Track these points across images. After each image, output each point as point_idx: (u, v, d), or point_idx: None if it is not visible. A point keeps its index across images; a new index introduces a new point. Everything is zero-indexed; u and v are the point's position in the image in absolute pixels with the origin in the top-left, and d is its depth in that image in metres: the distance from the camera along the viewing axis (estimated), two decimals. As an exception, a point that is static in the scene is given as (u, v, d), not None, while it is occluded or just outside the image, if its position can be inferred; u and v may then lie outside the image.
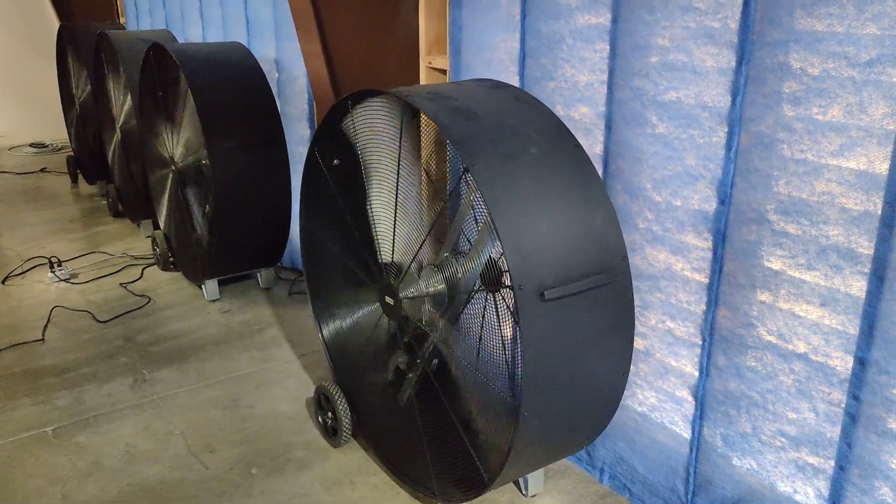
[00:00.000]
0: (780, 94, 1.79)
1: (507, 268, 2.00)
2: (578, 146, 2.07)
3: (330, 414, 2.73)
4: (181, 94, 3.76)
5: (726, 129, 1.94)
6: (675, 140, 2.06)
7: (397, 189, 2.24)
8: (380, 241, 2.38)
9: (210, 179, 3.61)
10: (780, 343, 1.91)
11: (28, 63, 7.64)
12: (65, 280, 4.22)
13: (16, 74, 7.76)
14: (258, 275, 4.15)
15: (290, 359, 3.39)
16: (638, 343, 2.30)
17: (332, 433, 2.74)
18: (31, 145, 7.63)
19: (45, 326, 3.67)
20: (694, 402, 2.18)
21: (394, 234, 2.29)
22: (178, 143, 3.93)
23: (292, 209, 3.88)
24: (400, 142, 2.21)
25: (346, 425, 2.67)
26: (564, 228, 1.92)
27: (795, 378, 1.89)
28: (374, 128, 2.34)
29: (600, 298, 1.95)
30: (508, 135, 2.01)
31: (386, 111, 2.29)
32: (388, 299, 2.35)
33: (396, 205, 2.28)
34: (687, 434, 2.22)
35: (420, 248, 2.20)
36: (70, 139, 6.43)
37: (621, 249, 2.00)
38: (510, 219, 1.85)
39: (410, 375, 2.47)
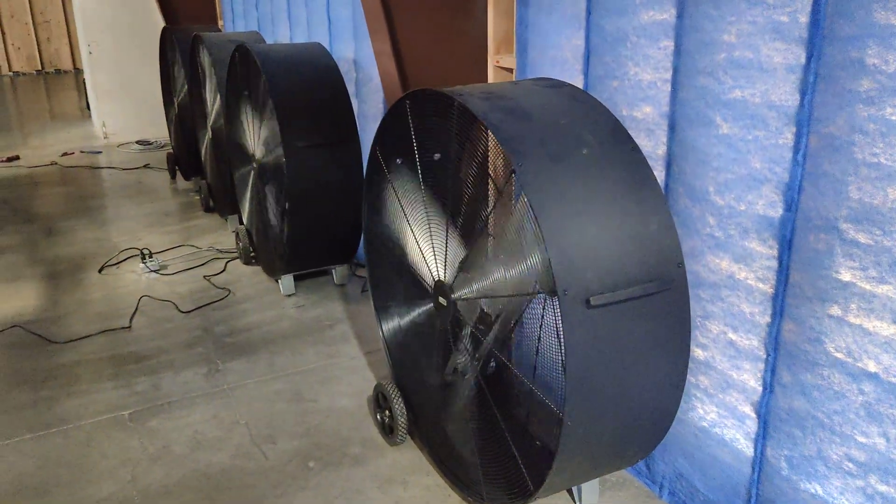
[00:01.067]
0: (853, 93, 1.66)
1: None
2: (635, 147, 1.99)
3: (387, 412, 2.74)
4: (262, 94, 3.88)
5: (794, 130, 1.81)
6: (739, 141, 1.95)
7: (451, 188, 2.22)
8: (435, 240, 2.37)
9: (285, 176, 3.71)
10: (849, 361, 1.77)
11: (137, 64, 8.08)
12: (154, 271, 4.44)
13: (126, 75, 8.21)
14: (333, 271, 4.23)
15: (356, 355, 3.43)
16: (699, 354, 2.19)
17: (388, 431, 2.75)
18: (138, 142, 8.08)
19: (133, 315, 3.86)
20: (757, 420, 2.05)
21: (446, 234, 2.27)
22: (260, 141, 4.06)
23: (366, 207, 3.93)
24: (453, 139, 2.19)
25: (402, 424, 2.67)
26: (614, 233, 1.85)
27: (865, 399, 1.75)
28: (432, 126, 2.33)
29: (652, 307, 1.87)
30: (560, 135, 1.95)
31: (445, 110, 2.27)
32: (442, 300, 2.34)
33: (451, 204, 2.26)
34: (749, 452, 2.10)
35: (474, 247, 2.18)
36: (170, 137, 6.76)
37: (677, 256, 1.91)
38: (556, 221, 1.80)
39: (467, 377, 2.45)
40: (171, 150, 6.72)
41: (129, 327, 3.74)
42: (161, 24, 7.84)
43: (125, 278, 4.39)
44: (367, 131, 4.05)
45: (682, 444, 2.29)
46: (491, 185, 2.33)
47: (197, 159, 5.81)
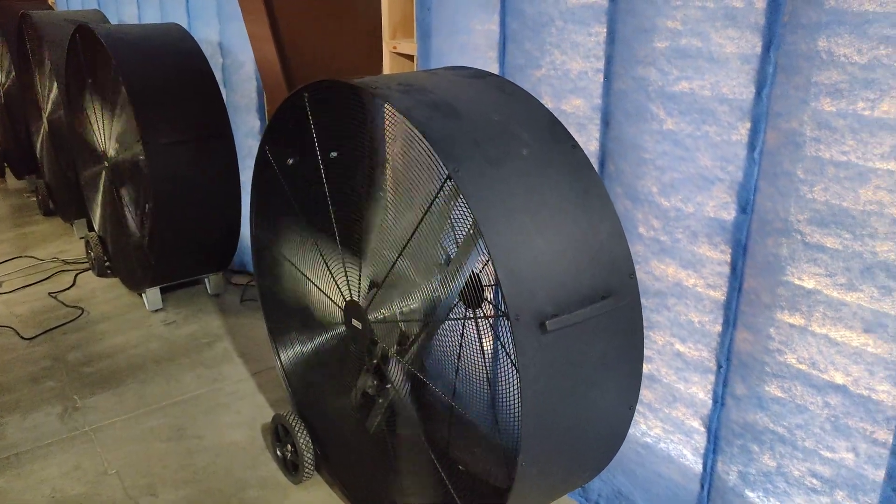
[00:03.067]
0: (818, 86, 1.52)
1: (493, 286, 1.72)
2: (576, 145, 1.78)
3: (289, 447, 2.41)
4: (113, 83, 3.36)
5: (749, 126, 1.67)
6: (686, 138, 1.79)
7: (365, 194, 1.92)
8: (344, 255, 2.06)
9: (147, 177, 3.23)
10: (814, 372, 1.66)
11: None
12: (-14, 290, 3.79)
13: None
14: (206, 280, 3.78)
15: (242, 377, 3.05)
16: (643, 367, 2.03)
17: (292, 469, 2.42)
18: (-46, 136, 7.04)
19: (-38, 346, 3.26)
20: (706, 434, 1.92)
21: (361, 247, 1.97)
22: (111, 136, 3.53)
23: (242, 208, 3.53)
24: (365, 139, 1.90)
25: (309, 460, 2.36)
26: (564, 245, 1.63)
27: (831, 413, 1.64)
28: (334, 123, 2.01)
29: (606, 325, 1.67)
30: (495, 134, 1.71)
31: (349, 103, 1.96)
32: (356, 322, 2.04)
33: (363, 214, 1.96)
34: (697, 468, 1.97)
35: (394, 265, 1.89)
36: (-5, 130, 5.90)
37: (629, 266, 1.72)
38: (502, 236, 1.55)
39: (380, 401, 2.17)
40: (-2, 145, 5.88)
41: (-41, 362, 3.14)
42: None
43: (-51, 300, 3.72)
44: (239, 123, 3.63)
45: (622, 462, 2.14)
46: (406, 188, 2.05)
47: (30, 155, 5.08)
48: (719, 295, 1.82)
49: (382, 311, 1.98)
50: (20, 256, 4.26)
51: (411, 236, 1.82)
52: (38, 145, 4.86)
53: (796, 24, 1.53)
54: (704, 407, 1.92)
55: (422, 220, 1.74)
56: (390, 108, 1.73)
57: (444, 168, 1.59)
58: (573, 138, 1.78)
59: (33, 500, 2.33)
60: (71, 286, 3.87)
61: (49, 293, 3.77)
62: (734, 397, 1.83)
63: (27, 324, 3.45)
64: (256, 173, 2.31)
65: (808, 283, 1.63)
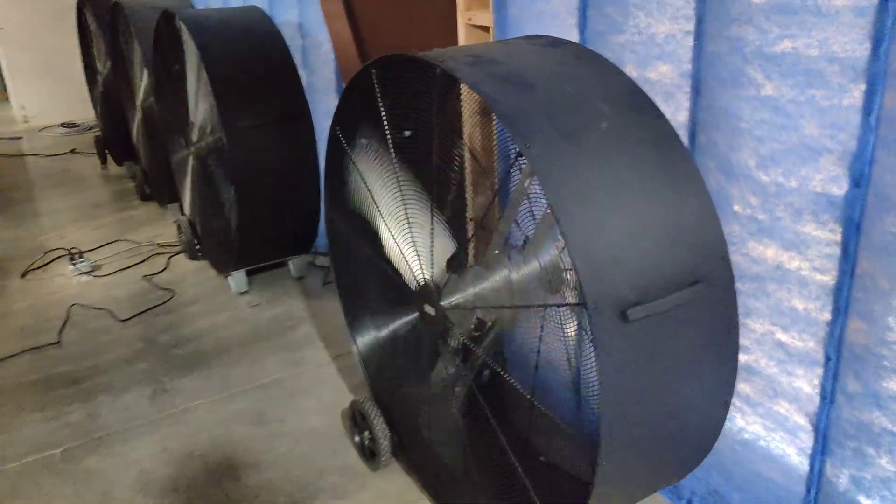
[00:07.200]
0: (949, 38, 1.31)
1: (572, 277, 1.59)
2: (661, 116, 1.62)
3: (367, 433, 2.37)
4: (196, 67, 3.39)
5: (863, 88, 1.46)
6: (789, 103, 1.59)
7: (435, 175, 1.83)
8: (416, 237, 1.98)
9: (228, 161, 3.25)
10: (940, 368, 1.45)
11: (54, 40, 7.36)
12: (86, 273, 3.94)
13: (45, 52, 7.49)
14: (290, 263, 3.80)
15: (323, 361, 3.03)
16: (739, 357, 1.86)
17: (369, 455, 2.38)
18: (62, 125, 7.41)
19: (62, 327, 3.39)
20: (813, 433, 1.74)
21: (431, 230, 1.88)
22: (197, 121, 3.57)
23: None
24: (434, 116, 1.79)
25: (386, 447, 2.31)
26: (648, 226, 1.49)
27: (962, 414, 1.44)
28: (407, 100, 1.92)
29: (695, 313, 1.52)
30: (570, 106, 1.57)
31: (423, 79, 1.86)
32: (429, 308, 1.96)
33: (436, 194, 1.87)
34: (803, 469, 1.79)
35: (467, 246, 1.80)
36: (96, 118, 6.16)
37: (720, 248, 1.55)
38: (577, 215, 1.42)
39: (457, 390, 2.09)
40: (100, 133, 6.12)
41: (59, 342, 3.27)
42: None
43: (53, 283, 3.89)
44: (318, 105, 3.60)
45: (717, 459, 1.98)
46: (485, 166, 1.94)
47: (128, 142, 5.26)
48: (828, 279, 1.62)
49: (457, 296, 1.89)
50: (118, 240, 4.41)
51: (483, 216, 1.72)
52: (134, 132, 5.01)
53: (922, -34, 1.32)
54: (811, 403, 1.73)
55: (493, 200, 1.63)
56: (458, 81, 1.62)
57: (515, 144, 1.48)
58: (658, 108, 1.62)
59: (122, 480, 2.39)
60: (163, 270, 3.98)
61: (144, 276, 3.89)
62: (846, 394, 1.64)
63: (123, 306, 3.56)
64: (329, 153, 2.26)
65: (935, 267, 1.42)
